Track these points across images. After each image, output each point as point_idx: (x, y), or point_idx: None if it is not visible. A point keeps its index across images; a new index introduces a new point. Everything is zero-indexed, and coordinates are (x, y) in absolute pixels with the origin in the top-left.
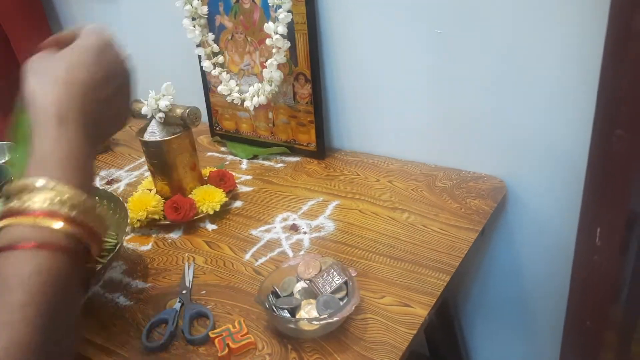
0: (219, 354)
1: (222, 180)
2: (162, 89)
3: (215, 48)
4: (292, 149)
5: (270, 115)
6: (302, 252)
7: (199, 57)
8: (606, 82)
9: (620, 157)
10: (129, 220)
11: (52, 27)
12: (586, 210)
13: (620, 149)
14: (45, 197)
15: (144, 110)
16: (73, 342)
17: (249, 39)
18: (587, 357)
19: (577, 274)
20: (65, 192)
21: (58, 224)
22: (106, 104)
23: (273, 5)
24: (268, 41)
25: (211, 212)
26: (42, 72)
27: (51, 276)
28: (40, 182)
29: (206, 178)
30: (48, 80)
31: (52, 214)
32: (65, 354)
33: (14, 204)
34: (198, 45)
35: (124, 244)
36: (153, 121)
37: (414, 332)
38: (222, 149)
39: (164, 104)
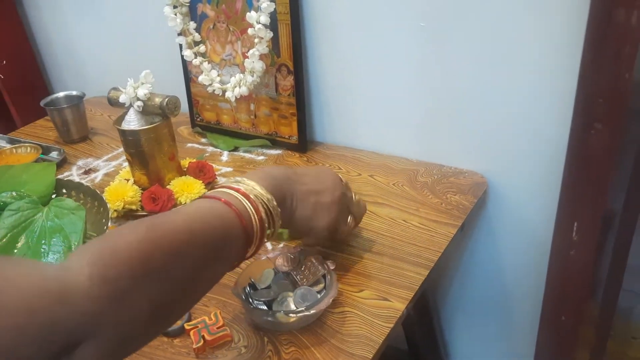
0: (194, 346)
1: (201, 171)
2: (141, 77)
3: (197, 37)
4: (273, 142)
5: (252, 106)
6: (281, 245)
7: (180, 46)
8: (586, 76)
9: (598, 150)
10: (109, 217)
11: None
12: (564, 204)
13: (598, 142)
14: (247, 186)
15: (122, 98)
16: (186, 309)
17: (231, 29)
18: (561, 352)
19: (554, 269)
20: (261, 192)
21: (245, 200)
22: (312, 205)
23: None
24: (250, 31)
25: None
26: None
27: (218, 224)
28: (250, 181)
29: (185, 169)
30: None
31: (245, 195)
32: (173, 308)
33: (229, 183)
34: (179, 34)
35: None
36: (131, 110)
37: (391, 325)
38: (203, 140)
39: (142, 92)
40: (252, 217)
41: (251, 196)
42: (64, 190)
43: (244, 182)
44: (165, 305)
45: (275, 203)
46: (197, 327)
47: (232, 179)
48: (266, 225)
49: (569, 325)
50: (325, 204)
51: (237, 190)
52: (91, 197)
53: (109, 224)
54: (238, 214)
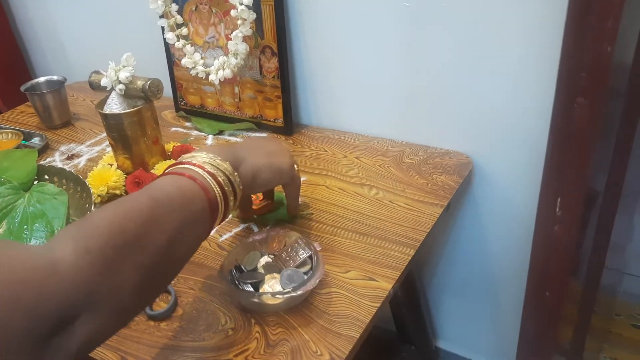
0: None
1: None
2: (122, 60)
3: (179, 19)
4: (259, 125)
5: (237, 89)
6: (267, 227)
7: (162, 28)
8: (568, 50)
9: (581, 124)
10: (93, 202)
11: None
12: (547, 179)
13: (580, 116)
14: (204, 159)
15: (104, 82)
16: (171, 274)
17: (213, 10)
18: (545, 328)
19: (538, 244)
20: (219, 163)
21: (204, 173)
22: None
23: None
24: (233, 12)
25: None
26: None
27: (182, 196)
28: (205, 153)
29: (169, 153)
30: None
31: (202, 167)
32: (157, 282)
33: (184, 158)
34: (161, 17)
35: None
36: (113, 93)
37: (378, 305)
38: (187, 124)
39: (124, 75)
40: (210, 183)
41: (207, 167)
42: (46, 177)
43: (199, 156)
44: (151, 270)
45: (231, 168)
46: None
47: (188, 155)
48: (225, 185)
49: (553, 301)
50: (276, 149)
51: (194, 164)
52: (74, 182)
53: (92, 209)
54: (192, 178)
